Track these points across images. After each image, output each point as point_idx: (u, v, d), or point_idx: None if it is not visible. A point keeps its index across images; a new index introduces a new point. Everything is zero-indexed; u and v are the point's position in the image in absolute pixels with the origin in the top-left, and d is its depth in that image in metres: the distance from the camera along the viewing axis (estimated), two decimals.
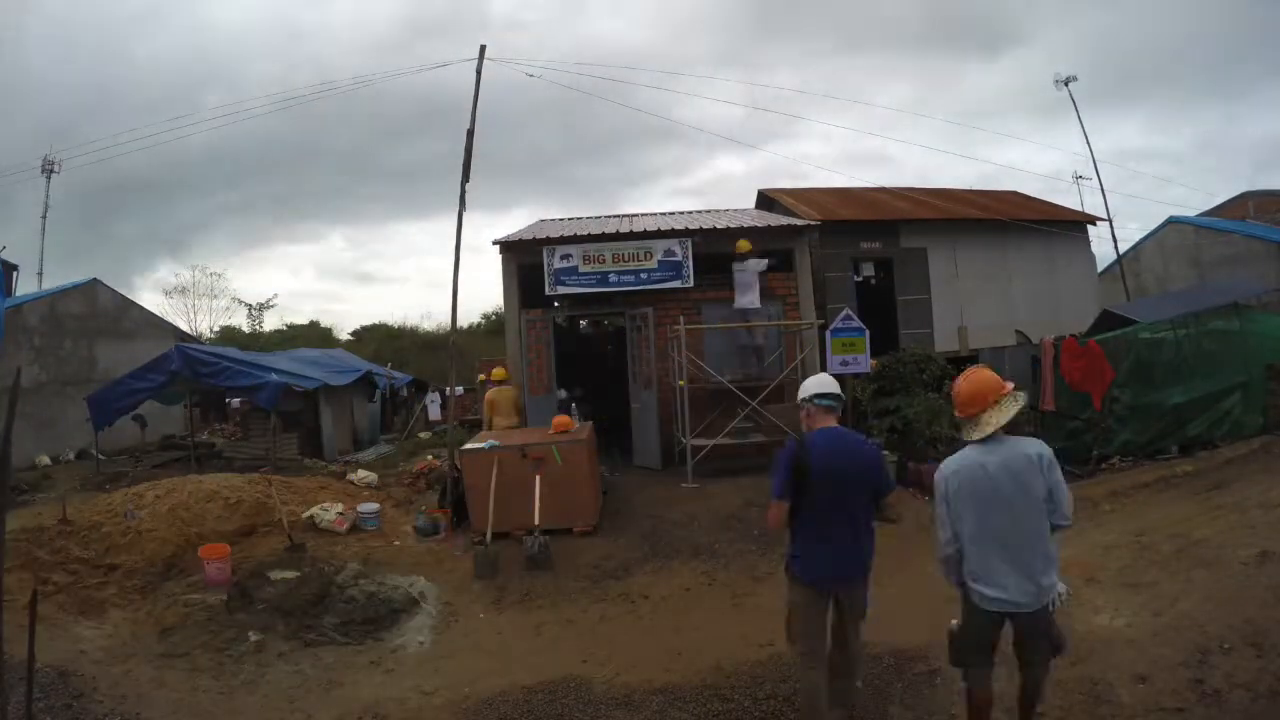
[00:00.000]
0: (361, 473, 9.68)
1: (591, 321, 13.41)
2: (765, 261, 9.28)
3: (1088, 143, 24.67)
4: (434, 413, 16.99)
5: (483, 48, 8.46)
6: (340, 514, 7.41)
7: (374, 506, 7.56)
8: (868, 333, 8.87)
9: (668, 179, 68.15)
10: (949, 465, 2.97)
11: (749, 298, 9.16)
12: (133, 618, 5.48)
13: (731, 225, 10.56)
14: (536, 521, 6.35)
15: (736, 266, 9.22)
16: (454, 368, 8.96)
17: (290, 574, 5.81)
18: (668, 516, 7.13)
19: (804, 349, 9.11)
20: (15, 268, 16.70)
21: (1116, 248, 17.37)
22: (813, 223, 10.84)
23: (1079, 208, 16.24)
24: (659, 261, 9.49)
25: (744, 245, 9.26)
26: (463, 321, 30.17)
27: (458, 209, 8.15)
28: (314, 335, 28.70)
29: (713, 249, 9.82)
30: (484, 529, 6.79)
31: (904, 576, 5.65)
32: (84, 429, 11.37)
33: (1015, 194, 15.22)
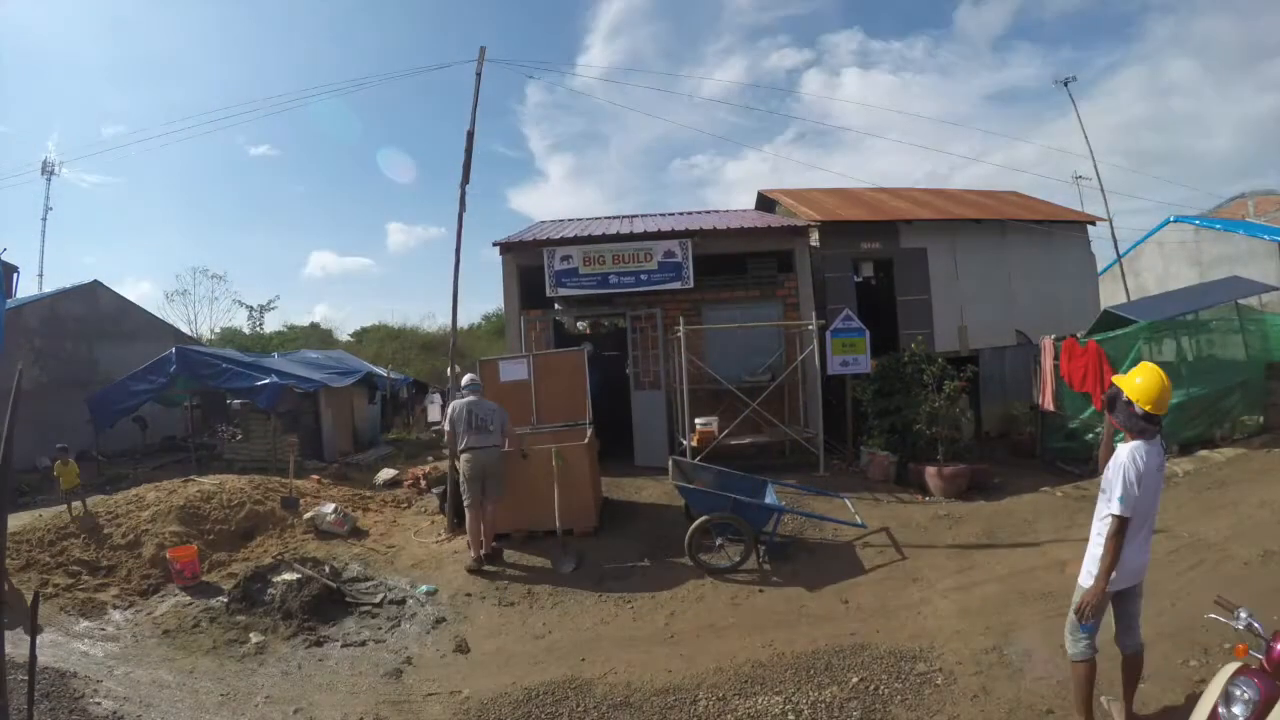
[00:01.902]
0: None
1: (592, 323, 13.37)
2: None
3: (1087, 142, 24.71)
4: (434, 414, 17.01)
5: (482, 49, 8.45)
6: (340, 515, 7.42)
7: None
8: (868, 333, 8.89)
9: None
10: None
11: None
12: (133, 619, 5.49)
13: (732, 226, 10.56)
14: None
15: None
16: (454, 369, 8.95)
17: (291, 576, 5.81)
18: (668, 517, 7.14)
19: (804, 349, 9.11)
20: (16, 269, 16.75)
21: (1116, 248, 17.41)
22: (813, 223, 10.84)
23: (1078, 207, 16.25)
24: (659, 263, 9.49)
25: None
26: (463, 322, 30.21)
27: (458, 210, 8.16)
28: (314, 336, 28.71)
29: (713, 250, 9.83)
30: None
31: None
32: (85, 430, 11.37)
33: (1015, 194, 15.22)
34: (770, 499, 6.55)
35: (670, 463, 6.90)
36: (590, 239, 9.79)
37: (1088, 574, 3.04)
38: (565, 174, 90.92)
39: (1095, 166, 20.87)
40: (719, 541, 6.09)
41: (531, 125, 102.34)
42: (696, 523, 6.03)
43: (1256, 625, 2.53)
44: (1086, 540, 3.11)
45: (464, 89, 8.46)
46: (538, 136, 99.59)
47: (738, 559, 5.91)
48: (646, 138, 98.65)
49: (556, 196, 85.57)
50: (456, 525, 7.28)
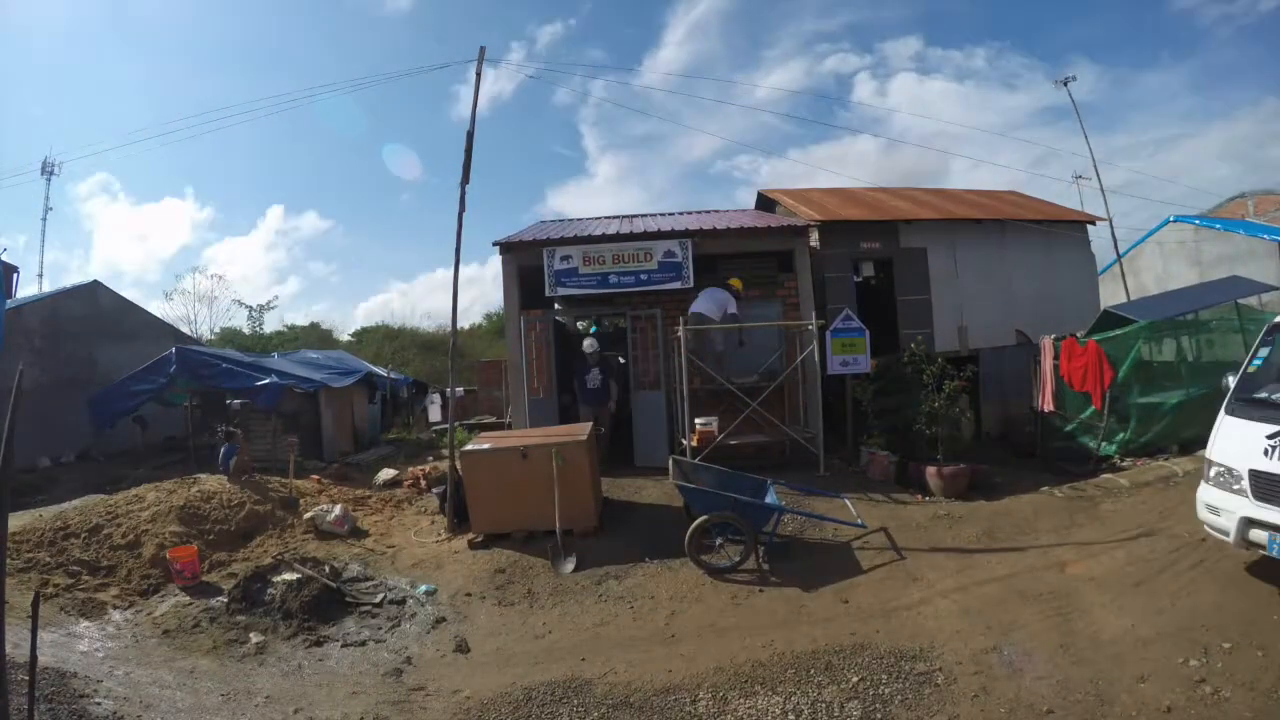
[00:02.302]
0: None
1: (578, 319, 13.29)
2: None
3: (1087, 143, 24.68)
4: (434, 414, 17.00)
5: (482, 49, 8.44)
6: (340, 515, 7.43)
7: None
8: (868, 333, 8.89)
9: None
10: None
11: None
12: (134, 619, 5.49)
13: (732, 226, 10.55)
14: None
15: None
16: (454, 369, 8.95)
17: (291, 576, 5.81)
18: (668, 517, 7.14)
19: (804, 349, 9.11)
20: (16, 269, 16.73)
21: (1116, 248, 17.41)
22: (813, 223, 10.84)
23: (1078, 208, 16.26)
24: (659, 262, 9.49)
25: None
26: (464, 322, 30.21)
27: (458, 210, 8.15)
28: (314, 336, 28.71)
29: (713, 250, 9.83)
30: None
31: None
32: (85, 430, 11.37)
33: (1014, 194, 15.22)
34: (770, 499, 6.55)
35: (670, 462, 6.90)
36: (590, 239, 9.79)
37: None
38: (612, 174, 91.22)
39: (1095, 167, 20.82)
40: (719, 541, 6.10)
41: (589, 125, 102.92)
42: (696, 522, 6.03)
43: None
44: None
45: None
46: (594, 136, 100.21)
47: (738, 559, 5.92)
48: (692, 141, 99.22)
49: (599, 196, 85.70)
50: (457, 525, 7.28)
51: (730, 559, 5.95)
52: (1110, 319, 9.45)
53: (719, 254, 9.98)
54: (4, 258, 12.28)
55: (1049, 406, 8.84)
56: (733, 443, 8.50)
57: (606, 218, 13.58)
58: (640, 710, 3.87)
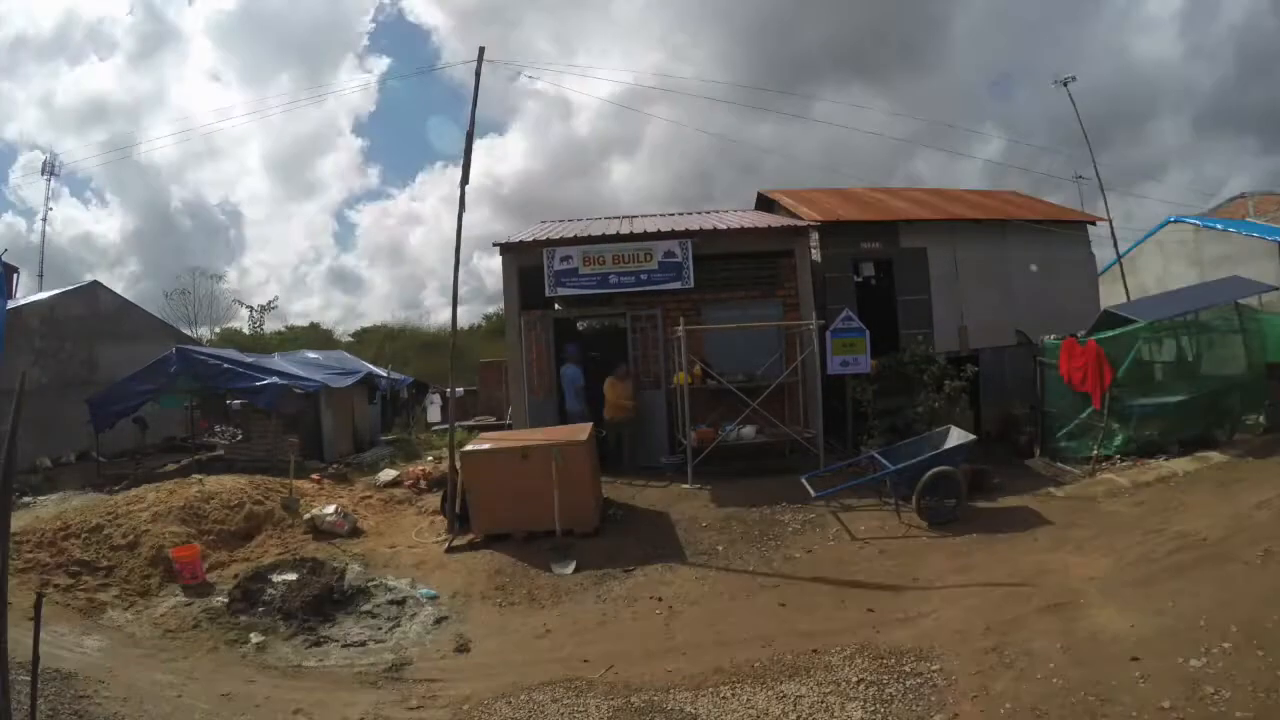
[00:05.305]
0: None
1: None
2: None
3: (1087, 142, 24.52)
4: (433, 414, 17.00)
5: (481, 50, 8.44)
6: (340, 516, 7.43)
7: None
8: (868, 333, 8.89)
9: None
10: None
11: None
12: (134, 620, 5.49)
13: (732, 226, 10.56)
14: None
15: None
16: (454, 369, 8.96)
17: (291, 576, 5.82)
18: (668, 517, 7.14)
19: (804, 349, 9.11)
20: (16, 270, 16.74)
21: (1116, 248, 17.37)
22: (813, 223, 10.84)
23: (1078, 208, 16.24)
24: (659, 263, 9.50)
25: None
26: (463, 322, 30.20)
27: (457, 210, 8.16)
28: (314, 337, 28.71)
29: (713, 250, 9.83)
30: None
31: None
32: (84, 431, 11.37)
33: (1015, 194, 15.21)
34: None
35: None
36: (590, 239, 9.80)
37: None
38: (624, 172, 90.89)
39: (1095, 167, 20.74)
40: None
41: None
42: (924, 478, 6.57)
43: None
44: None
45: None
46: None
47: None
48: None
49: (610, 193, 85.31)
50: (457, 526, 7.28)
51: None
52: (1110, 319, 9.44)
53: (719, 254, 9.99)
54: (5, 259, 12.29)
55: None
56: (733, 442, 8.51)
57: (606, 218, 13.58)
58: (641, 710, 3.87)
